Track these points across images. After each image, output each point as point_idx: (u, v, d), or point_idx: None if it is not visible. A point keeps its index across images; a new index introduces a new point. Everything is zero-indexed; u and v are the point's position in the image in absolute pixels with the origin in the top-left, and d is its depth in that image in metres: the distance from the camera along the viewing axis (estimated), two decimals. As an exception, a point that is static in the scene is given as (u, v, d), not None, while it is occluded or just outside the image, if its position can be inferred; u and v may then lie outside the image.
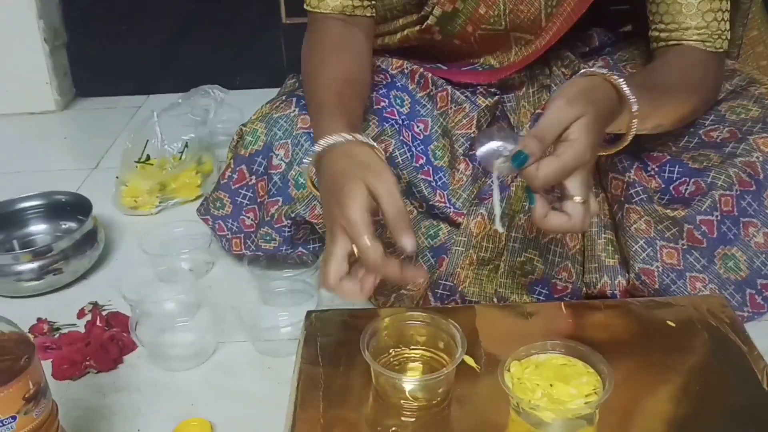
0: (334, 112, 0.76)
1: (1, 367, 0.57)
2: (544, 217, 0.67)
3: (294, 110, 0.89)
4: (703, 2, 0.81)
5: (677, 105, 0.81)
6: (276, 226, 0.90)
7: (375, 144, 0.71)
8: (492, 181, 0.67)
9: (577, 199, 0.66)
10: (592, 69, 0.72)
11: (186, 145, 1.26)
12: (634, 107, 0.71)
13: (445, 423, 0.66)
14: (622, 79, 0.70)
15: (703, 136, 0.87)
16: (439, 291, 0.87)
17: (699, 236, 0.81)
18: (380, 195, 0.64)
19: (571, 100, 0.66)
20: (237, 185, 0.92)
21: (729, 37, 0.84)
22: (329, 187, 0.68)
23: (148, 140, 1.25)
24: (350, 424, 0.66)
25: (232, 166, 0.92)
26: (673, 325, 0.75)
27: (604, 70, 0.71)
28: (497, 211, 0.70)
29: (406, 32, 0.93)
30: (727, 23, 0.83)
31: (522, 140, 0.65)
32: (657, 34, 0.85)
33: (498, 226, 0.71)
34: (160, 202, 1.21)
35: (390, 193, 0.64)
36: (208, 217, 0.98)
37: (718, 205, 0.80)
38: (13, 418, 0.58)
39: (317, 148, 0.71)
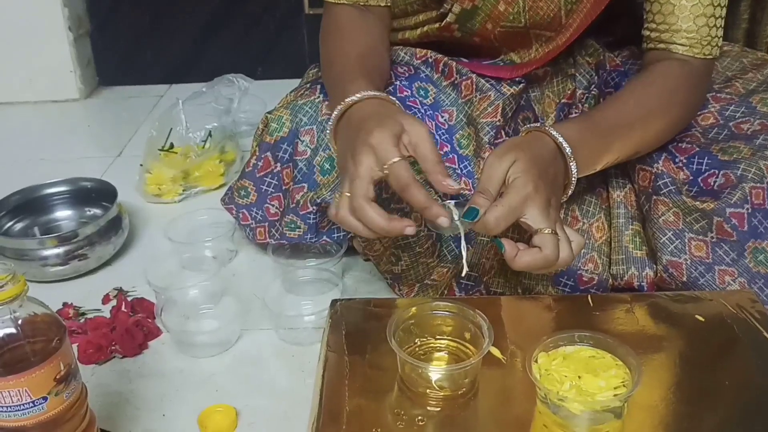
0: (355, 76, 0.76)
1: (34, 348, 0.58)
2: (514, 258, 0.68)
3: (318, 96, 0.89)
4: (696, 6, 0.80)
5: (637, 138, 0.81)
6: (301, 213, 0.90)
7: (396, 101, 0.73)
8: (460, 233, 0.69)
9: (544, 230, 0.67)
10: (528, 127, 0.76)
11: (210, 134, 1.27)
12: (567, 149, 0.73)
13: (471, 413, 0.66)
14: (552, 129, 0.73)
15: (733, 128, 0.86)
16: (464, 282, 0.86)
17: (729, 229, 0.79)
18: (418, 139, 0.66)
19: (500, 153, 0.69)
20: (262, 173, 0.92)
21: (720, 44, 0.83)
22: (356, 126, 0.69)
23: (172, 128, 1.25)
24: (375, 413, 0.66)
25: (258, 153, 0.92)
26: (702, 319, 0.74)
27: (537, 124, 0.75)
28: (464, 256, 0.71)
29: (426, 28, 0.93)
30: (720, 30, 0.82)
31: (471, 200, 0.69)
32: (648, 33, 0.84)
33: (464, 270, 0.72)
34: (183, 191, 1.22)
35: (428, 138, 0.66)
36: (233, 206, 0.98)
37: (748, 198, 0.79)
38: (44, 398, 0.58)
39: (342, 106, 0.72)
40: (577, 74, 0.95)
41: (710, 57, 0.82)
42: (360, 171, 0.66)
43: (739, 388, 0.66)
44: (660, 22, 0.82)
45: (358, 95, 0.72)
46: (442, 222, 0.66)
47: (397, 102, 0.74)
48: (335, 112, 0.74)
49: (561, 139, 0.73)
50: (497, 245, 0.69)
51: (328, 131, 0.76)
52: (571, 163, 0.73)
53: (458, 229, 0.69)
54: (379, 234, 0.67)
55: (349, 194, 0.67)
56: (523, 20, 0.89)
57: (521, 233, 0.75)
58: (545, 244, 0.67)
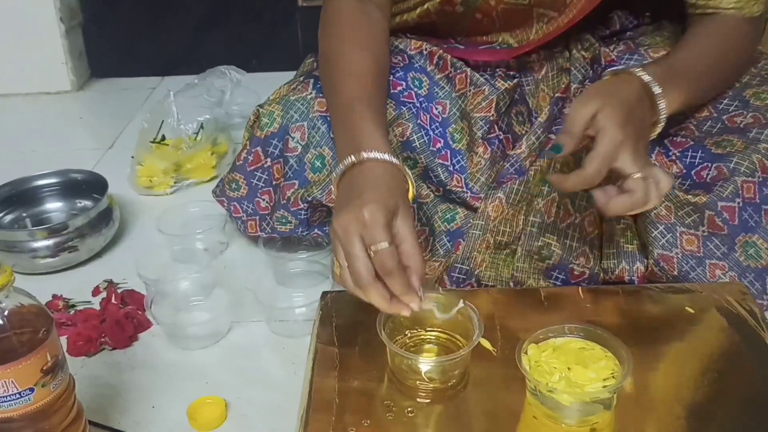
0: (365, 112, 0.75)
1: (20, 339, 0.58)
2: (607, 204, 0.69)
3: (311, 93, 0.88)
4: None
5: (713, 79, 0.83)
6: (292, 209, 0.90)
7: (411, 178, 0.72)
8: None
9: (635, 175, 0.69)
10: (614, 68, 0.77)
11: (201, 126, 1.26)
12: (658, 90, 0.74)
13: (461, 405, 0.66)
14: (640, 71, 0.74)
15: (726, 122, 0.86)
16: (455, 274, 0.86)
17: (720, 223, 0.80)
18: (405, 233, 0.66)
19: (585, 99, 0.71)
20: (252, 167, 0.92)
21: (765, 1, 0.84)
22: (356, 189, 0.68)
23: (163, 120, 1.25)
24: (365, 405, 0.66)
25: (248, 147, 0.92)
26: (692, 311, 0.74)
27: (623, 66, 0.76)
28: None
29: (426, 6, 0.91)
30: None
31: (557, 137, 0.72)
32: (694, 1, 0.84)
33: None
34: (175, 183, 1.21)
35: (413, 237, 0.66)
36: (224, 198, 0.97)
37: (740, 192, 0.79)
38: (31, 390, 0.58)
39: (363, 155, 0.70)
40: (572, 68, 0.95)
41: (757, 14, 0.84)
42: (355, 251, 0.64)
43: (729, 378, 0.66)
44: None
45: (367, 154, 0.70)
46: (404, 313, 0.65)
47: (405, 168, 0.72)
48: (341, 167, 0.72)
49: (648, 78, 0.74)
50: (588, 197, 0.71)
51: (334, 176, 0.73)
52: (660, 102, 0.74)
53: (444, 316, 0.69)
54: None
55: (347, 268, 0.65)
56: None
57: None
58: (636, 187, 0.69)
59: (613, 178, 0.71)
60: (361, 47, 0.82)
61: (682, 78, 0.78)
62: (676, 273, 0.81)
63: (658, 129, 0.76)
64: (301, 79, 0.91)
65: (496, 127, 0.90)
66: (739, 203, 0.79)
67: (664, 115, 0.75)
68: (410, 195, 0.72)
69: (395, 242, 0.65)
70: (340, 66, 0.81)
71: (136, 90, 1.63)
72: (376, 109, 0.77)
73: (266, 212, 0.94)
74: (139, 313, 0.89)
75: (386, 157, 0.70)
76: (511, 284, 0.86)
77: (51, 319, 0.60)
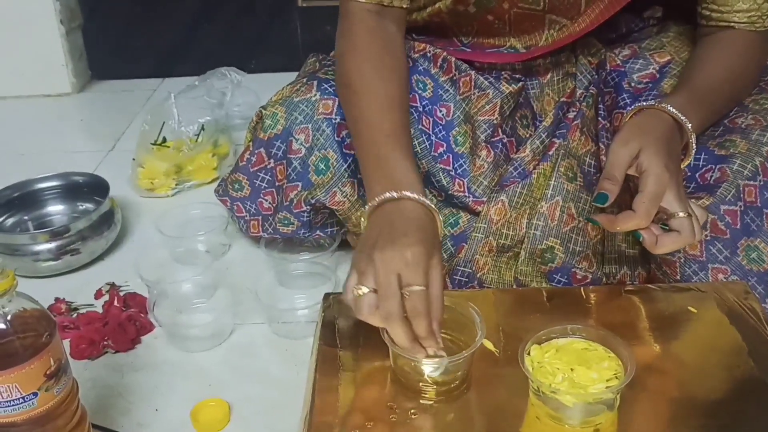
0: (398, 148, 0.75)
1: (23, 344, 0.57)
2: (656, 244, 0.71)
3: (315, 95, 0.88)
4: None
5: (727, 99, 0.84)
6: (295, 211, 0.90)
7: (438, 215, 0.72)
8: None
9: (681, 214, 0.71)
10: (640, 104, 0.78)
11: (202, 128, 1.26)
12: (689, 125, 0.76)
13: (464, 406, 0.66)
14: (669, 106, 0.76)
15: (728, 124, 0.86)
16: (458, 277, 0.86)
17: (722, 227, 0.79)
18: (433, 283, 0.66)
19: (624, 139, 0.73)
20: (255, 168, 0.92)
21: None
22: (397, 225, 0.68)
23: (164, 122, 1.25)
24: (368, 407, 0.66)
25: (251, 148, 0.92)
26: (695, 311, 0.74)
27: (652, 101, 0.78)
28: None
29: (438, 5, 0.90)
30: None
31: (599, 185, 0.74)
32: (708, 13, 0.85)
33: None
34: (176, 185, 1.21)
35: (440, 289, 0.66)
36: (227, 198, 0.97)
37: (741, 195, 0.79)
38: (35, 394, 0.58)
39: (389, 195, 0.70)
40: (577, 73, 0.94)
41: None
42: (393, 288, 0.64)
43: (732, 378, 0.66)
44: (721, 3, 0.83)
45: (408, 193, 0.70)
46: (420, 356, 0.65)
47: (436, 211, 0.72)
48: (377, 200, 0.71)
49: (681, 116, 0.75)
50: (636, 236, 0.72)
51: (368, 207, 0.73)
52: (691, 138, 0.76)
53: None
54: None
55: (374, 293, 0.65)
56: (542, 3, 0.88)
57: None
58: (684, 227, 0.70)
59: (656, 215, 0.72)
60: (386, 75, 0.80)
61: (703, 104, 0.79)
62: (678, 278, 0.80)
63: (688, 161, 0.78)
64: (305, 80, 0.91)
65: (500, 131, 0.90)
66: (741, 207, 0.79)
67: (694, 149, 0.77)
68: (440, 230, 0.72)
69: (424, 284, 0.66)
70: (366, 96, 0.79)
71: (136, 91, 1.63)
72: (406, 145, 0.77)
73: (269, 213, 0.94)
74: (142, 315, 0.89)
75: (424, 200, 0.71)
76: (514, 287, 0.86)
77: (54, 323, 0.60)
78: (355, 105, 0.80)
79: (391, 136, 0.76)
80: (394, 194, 0.71)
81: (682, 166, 0.78)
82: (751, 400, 0.64)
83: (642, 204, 0.70)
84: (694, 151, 0.77)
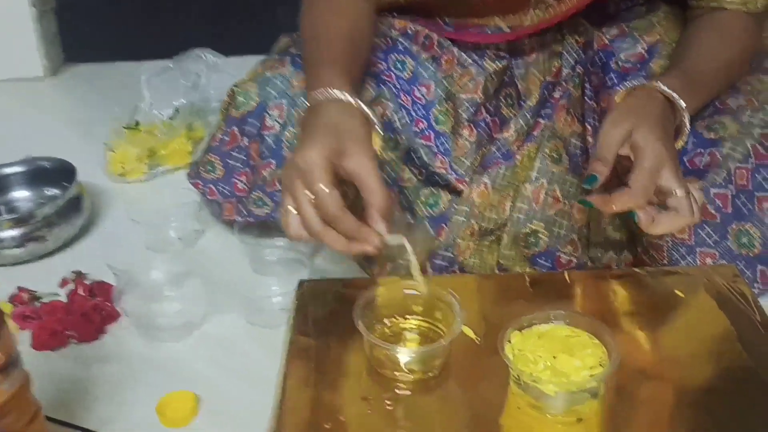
0: (336, 69, 0.71)
1: (-32, 337, 0.54)
2: (652, 223, 0.68)
3: (289, 69, 0.85)
4: None
5: (719, 81, 0.81)
6: (268, 190, 0.87)
7: (375, 119, 0.68)
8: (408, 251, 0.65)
9: (679, 192, 0.67)
10: (631, 84, 0.75)
11: (177, 111, 1.22)
12: (681, 103, 0.73)
13: (442, 396, 0.63)
14: (662, 85, 0.73)
15: (717, 105, 0.83)
16: (438, 261, 0.83)
17: (713, 211, 0.77)
18: (361, 170, 0.62)
19: (616, 120, 0.70)
20: (228, 147, 0.89)
21: None
22: (305, 123, 0.66)
23: (137, 105, 1.21)
24: (342, 398, 0.63)
25: (224, 127, 0.88)
26: (682, 295, 0.71)
27: (642, 80, 0.75)
28: (417, 277, 0.66)
29: None
30: None
31: (590, 167, 0.70)
32: None
33: (423, 289, 0.67)
34: (149, 169, 1.17)
35: (371, 171, 0.63)
36: (199, 181, 0.94)
37: (733, 178, 0.76)
38: (-18, 389, 0.54)
39: (317, 96, 0.67)
40: (564, 52, 0.91)
41: (761, 9, 0.82)
42: (300, 197, 0.62)
43: (720, 365, 0.63)
44: None
45: (332, 93, 0.67)
46: (368, 249, 0.62)
47: (366, 109, 0.68)
48: (302, 113, 0.70)
49: (675, 96, 0.72)
50: (632, 218, 0.68)
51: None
52: (685, 118, 0.73)
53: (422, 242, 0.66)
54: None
55: (295, 213, 0.63)
56: None
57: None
58: (681, 205, 0.67)
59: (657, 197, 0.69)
60: (339, 14, 0.78)
61: (696, 85, 0.76)
62: (665, 262, 0.78)
63: (681, 143, 0.75)
64: (276, 57, 0.88)
65: (483, 110, 0.87)
66: (732, 190, 0.76)
67: (688, 129, 0.74)
68: (376, 142, 0.68)
69: (353, 183, 0.63)
70: (319, 33, 0.78)
71: (110, 75, 1.58)
72: (346, 69, 0.72)
73: (243, 194, 0.90)
74: (108, 304, 0.85)
75: (338, 94, 0.67)
76: (496, 272, 0.83)
77: (1, 313, 0.56)
78: (305, 41, 0.79)
79: (325, 61, 0.72)
80: (317, 96, 0.67)
81: (680, 144, 0.75)
82: (740, 387, 0.61)
83: (638, 180, 0.66)
84: (688, 130, 0.74)
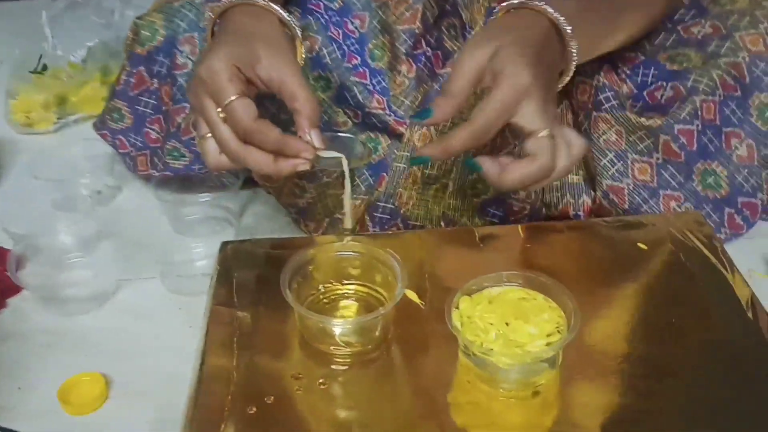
0: None
1: None
2: (501, 174, 0.55)
3: None
4: None
5: (637, 20, 0.69)
6: (184, 138, 0.77)
7: (296, 25, 0.59)
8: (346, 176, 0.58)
9: (542, 133, 0.54)
10: (505, 4, 0.60)
11: (88, 52, 1.09)
12: (567, 28, 0.58)
13: (384, 371, 0.56)
14: (546, 5, 0.58)
15: (681, 32, 0.76)
16: (378, 214, 0.75)
17: (676, 149, 0.71)
18: (281, 74, 0.54)
19: (477, 42, 0.56)
20: (136, 91, 0.79)
21: None
22: (215, 37, 0.58)
23: (44, 47, 1.08)
24: (270, 376, 0.55)
25: (128, 68, 0.78)
26: (645, 247, 0.65)
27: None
28: (347, 207, 0.59)
29: None
30: None
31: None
32: None
33: (348, 224, 0.60)
34: (58, 118, 1.05)
35: (294, 73, 0.55)
36: (106, 131, 0.84)
37: (699, 113, 0.70)
38: None
39: (209, 13, 0.59)
40: None
41: None
42: (211, 116, 0.54)
43: (686, 320, 0.58)
44: None
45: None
46: (300, 165, 0.55)
47: (279, 11, 0.59)
48: (210, 13, 0.60)
49: (557, 15, 0.57)
50: (470, 167, 0.56)
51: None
52: (571, 45, 0.58)
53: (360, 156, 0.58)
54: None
55: (210, 136, 0.56)
56: None
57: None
58: (541, 150, 0.54)
59: (512, 138, 0.58)
60: None
61: (597, 15, 0.64)
62: (626, 206, 0.72)
63: (565, 80, 0.61)
64: (186, -16, 0.77)
65: (423, 42, 0.78)
66: (698, 126, 0.70)
67: (575, 63, 0.59)
68: (299, 54, 0.60)
69: (273, 90, 0.55)
70: None
71: (13, 13, 1.42)
72: None
73: (158, 145, 0.81)
74: (8, 274, 0.75)
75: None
76: (442, 224, 0.76)
77: None
78: None
79: None
80: (210, 13, 0.59)
81: (560, 84, 0.61)
82: (706, 349, 0.56)
83: (484, 108, 0.53)
84: (573, 66, 0.59)
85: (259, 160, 0.54)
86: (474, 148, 0.56)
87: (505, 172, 0.55)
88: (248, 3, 0.58)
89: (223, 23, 0.59)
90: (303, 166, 0.55)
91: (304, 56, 0.61)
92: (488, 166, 0.55)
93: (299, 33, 0.60)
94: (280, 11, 0.59)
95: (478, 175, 0.56)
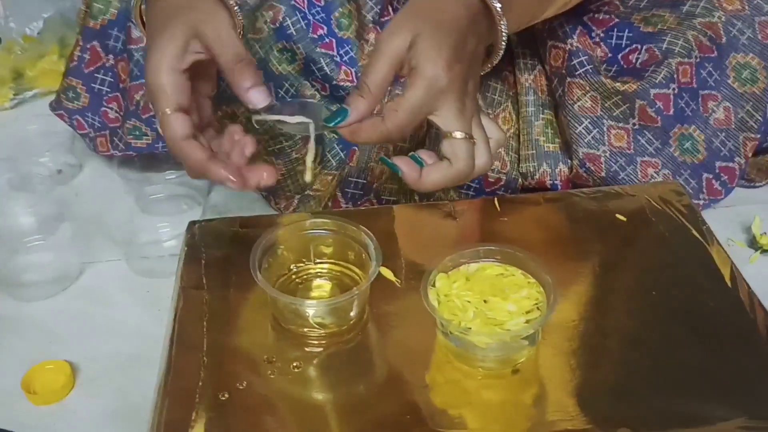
0: None
1: None
2: (419, 179, 0.52)
3: None
4: None
5: None
6: (144, 116, 0.74)
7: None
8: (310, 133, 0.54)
9: (457, 135, 0.51)
10: None
11: (44, 24, 1.05)
12: (497, 5, 0.53)
13: (360, 352, 0.54)
14: None
15: (656, -7, 0.74)
16: (350, 190, 0.73)
17: (653, 114, 0.69)
18: (210, 39, 0.51)
19: (392, 29, 0.51)
20: (91, 68, 0.75)
21: None
22: (148, 34, 0.55)
23: (-4, 19, 1.03)
24: (241, 360, 0.53)
25: (81, 43, 0.74)
26: (624, 219, 0.64)
27: None
28: (309, 162, 0.57)
29: None
30: None
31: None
32: None
33: (308, 177, 0.59)
34: (15, 94, 1.01)
35: (224, 36, 0.51)
36: (63, 111, 0.80)
37: (675, 76, 0.69)
38: None
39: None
40: None
41: None
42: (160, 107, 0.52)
43: (666, 293, 0.57)
44: None
45: None
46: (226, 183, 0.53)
47: None
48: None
49: None
50: (389, 167, 0.53)
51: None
52: (501, 24, 0.53)
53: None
54: None
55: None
56: None
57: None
58: (458, 154, 0.52)
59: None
60: None
61: None
62: (603, 174, 0.71)
63: (495, 60, 0.57)
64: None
65: (390, 9, 0.75)
66: (674, 90, 0.69)
67: (504, 42, 0.55)
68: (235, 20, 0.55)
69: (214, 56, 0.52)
70: None
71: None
72: None
73: (117, 125, 0.77)
74: (-36, 259, 0.72)
75: None
76: (416, 198, 0.74)
77: None
78: None
79: None
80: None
81: (484, 69, 0.57)
82: (687, 320, 0.55)
83: (393, 114, 0.50)
84: (503, 44, 0.55)
85: (220, 176, 0.52)
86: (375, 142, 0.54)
87: (423, 177, 0.53)
88: None
89: (149, 11, 0.55)
90: (230, 185, 0.52)
91: (242, 21, 0.56)
92: (407, 169, 0.52)
93: (237, 11, 0.55)
94: None
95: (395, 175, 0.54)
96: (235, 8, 0.54)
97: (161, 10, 0.53)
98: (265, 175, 0.53)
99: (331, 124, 0.51)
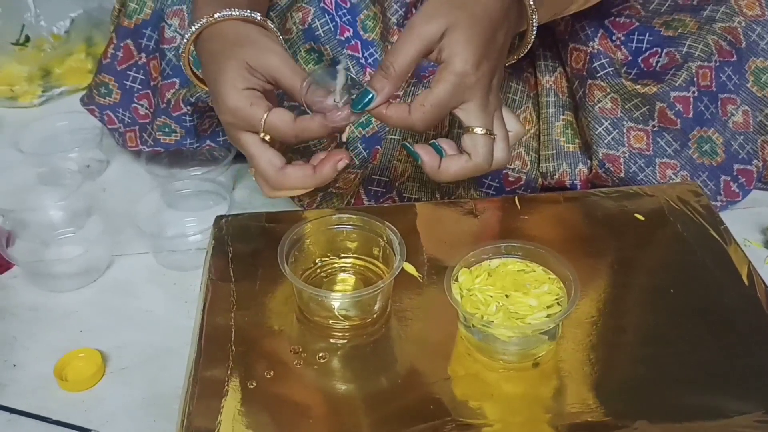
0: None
1: None
2: (437, 170, 0.54)
3: None
4: None
5: None
6: (174, 114, 0.75)
7: (266, 21, 0.57)
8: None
9: (478, 130, 0.52)
10: None
11: (72, 22, 1.06)
12: (530, 1, 0.54)
13: (383, 345, 0.56)
14: None
15: (677, -2, 0.75)
16: (373, 188, 0.75)
17: (672, 116, 0.70)
18: (273, 69, 0.53)
19: (428, 15, 0.51)
20: (123, 65, 0.76)
21: None
22: (206, 78, 0.56)
23: (25, 17, 1.05)
24: (268, 353, 0.55)
25: (115, 41, 0.76)
26: (642, 218, 0.65)
27: None
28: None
29: None
30: None
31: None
32: None
33: (344, 136, 0.59)
34: (43, 92, 1.03)
35: (286, 63, 0.53)
36: (94, 107, 0.81)
37: (695, 79, 0.70)
38: None
39: (192, 28, 0.56)
40: None
41: None
42: (250, 149, 0.54)
43: (684, 290, 0.58)
44: None
45: (204, 20, 0.55)
46: (338, 164, 0.55)
47: (256, 16, 0.56)
48: (185, 38, 0.57)
49: None
50: (411, 154, 0.54)
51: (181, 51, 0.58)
52: (533, 18, 0.54)
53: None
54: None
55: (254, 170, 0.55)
56: None
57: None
58: (478, 149, 0.53)
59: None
60: None
61: None
62: (622, 174, 0.72)
63: (522, 52, 0.57)
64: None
65: (414, 11, 0.76)
66: (694, 93, 0.70)
67: (534, 36, 0.55)
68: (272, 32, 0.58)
69: (274, 85, 0.54)
70: None
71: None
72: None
73: (147, 121, 0.79)
74: (-3, 251, 0.74)
75: (220, 13, 0.55)
76: (438, 196, 0.75)
77: None
78: None
79: None
80: (194, 27, 0.56)
81: (514, 58, 0.58)
82: (705, 319, 0.56)
83: (420, 108, 0.51)
84: (533, 37, 0.56)
85: (299, 177, 0.54)
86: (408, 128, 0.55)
87: (442, 168, 0.54)
88: (245, 18, 0.56)
89: (202, 56, 0.57)
90: (342, 163, 0.54)
91: (280, 37, 0.59)
92: (427, 158, 0.54)
93: (269, 24, 0.58)
94: (269, 23, 0.57)
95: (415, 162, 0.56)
96: (278, 34, 0.57)
97: (215, 50, 0.55)
98: (339, 162, 0.54)
99: (358, 109, 0.52)
